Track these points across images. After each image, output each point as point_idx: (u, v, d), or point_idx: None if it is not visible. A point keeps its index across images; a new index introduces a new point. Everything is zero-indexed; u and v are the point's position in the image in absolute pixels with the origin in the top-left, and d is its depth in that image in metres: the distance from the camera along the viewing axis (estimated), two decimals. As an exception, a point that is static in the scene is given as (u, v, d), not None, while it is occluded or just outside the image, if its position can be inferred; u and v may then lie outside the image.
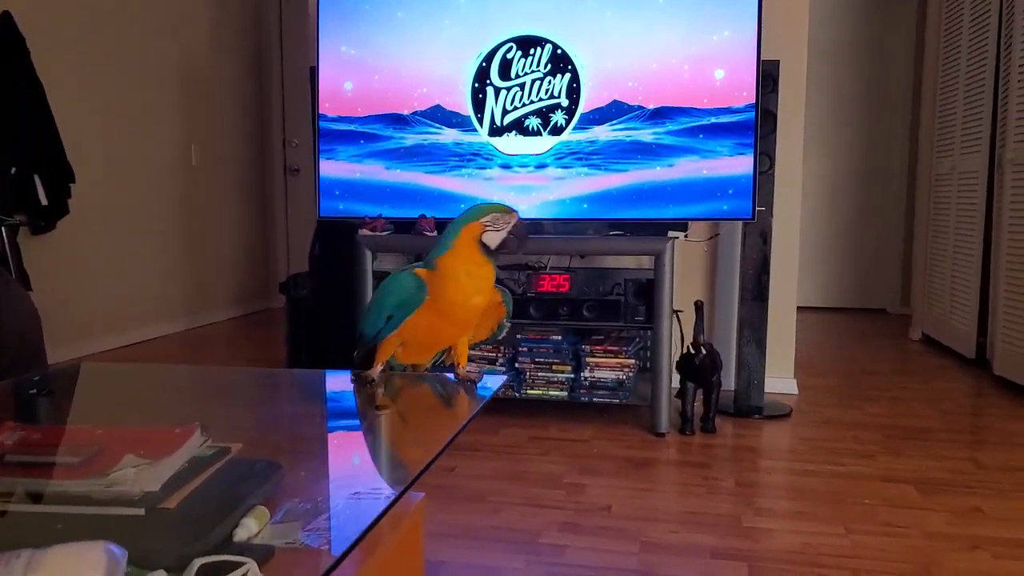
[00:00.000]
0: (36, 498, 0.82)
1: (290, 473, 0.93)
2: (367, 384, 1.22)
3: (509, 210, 1.22)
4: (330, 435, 1.15)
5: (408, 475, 0.84)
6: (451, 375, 1.28)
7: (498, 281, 2.92)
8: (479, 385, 1.23)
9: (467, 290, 1.20)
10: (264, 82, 5.19)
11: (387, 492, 0.79)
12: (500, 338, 1.36)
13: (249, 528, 0.72)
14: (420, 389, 1.34)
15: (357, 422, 1.18)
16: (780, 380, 2.97)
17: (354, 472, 0.94)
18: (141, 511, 0.77)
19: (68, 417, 1.24)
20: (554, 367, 2.59)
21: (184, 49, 4.38)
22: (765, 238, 2.67)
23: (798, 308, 3.06)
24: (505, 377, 2.44)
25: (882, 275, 5.13)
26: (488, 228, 1.19)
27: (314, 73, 2.78)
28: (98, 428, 1.04)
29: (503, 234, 1.20)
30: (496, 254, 1.21)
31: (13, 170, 3.16)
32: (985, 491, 2.00)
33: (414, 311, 1.20)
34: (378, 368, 1.23)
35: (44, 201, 3.28)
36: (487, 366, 2.62)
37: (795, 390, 2.99)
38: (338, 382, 1.43)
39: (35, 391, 1.30)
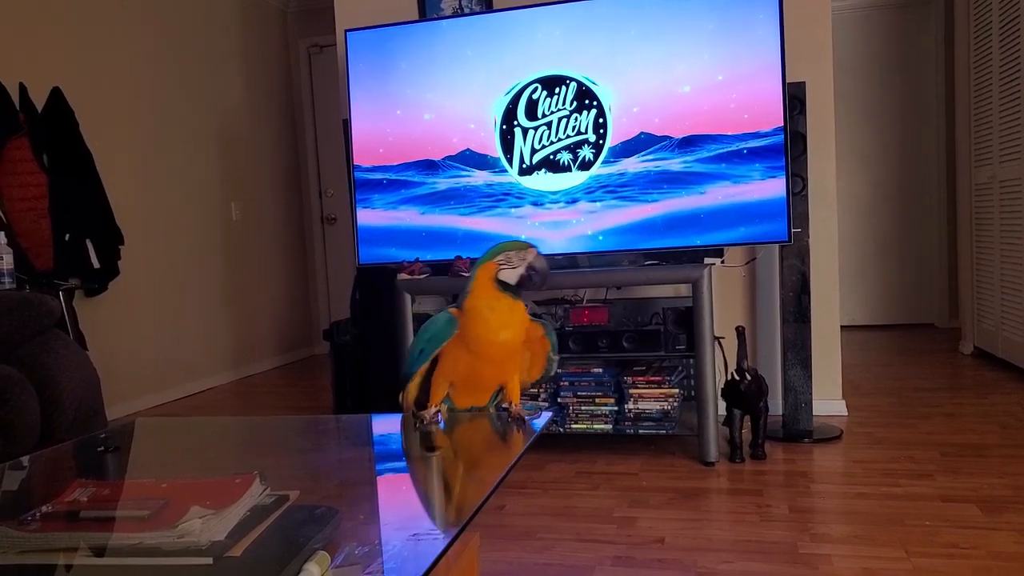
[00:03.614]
0: (112, 551, 0.86)
1: (347, 517, 0.96)
2: (421, 424, 1.25)
3: (525, 246, 1.25)
4: (384, 478, 1.17)
5: (463, 516, 0.86)
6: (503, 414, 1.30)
7: (536, 316, 2.93)
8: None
9: (492, 325, 1.23)
10: (298, 135, 5.36)
11: (444, 533, 0.81)
12: (553, 373, 1.38)
13: (311, 573, 0.75)
14: (469, 428, 1.36)
15: (409, 464, 1.21)
16: (828, 402, 2.92)
17: (410, 514, 0.97)
18: (209, 560, 0.80)
19: (132, 472, 1.29)
20: (597, 400, 2.59)
21: (220, 110, 4.56)
22: (803, 259, 2.66)
23: (842, 327, 3.01)
24: (550, 413, 2.44)
25: (928, 289, 5.02)
26: (502, 266, 1.23)
27: (346, 126, 2.87)
28: (163, 482, 1.08)
29: (520, 270, 1.23)
30: (518, 290, 1.24)
31: (67, 236, 3.31)
32: (1052, 507, 1.93)
33: (443, 343, 1.24)
34: (432, 410, 1.26)
35: (96, 264, 3.41)
36: (529, 402, 2.63)
37: (844, 411, 2.93)
38: (386, 425, 1.46)
39: (103, 449, 1.35)
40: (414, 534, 0.83)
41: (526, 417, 1.26)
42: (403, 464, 1.24)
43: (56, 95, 3.31)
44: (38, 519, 0.93)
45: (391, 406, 2.79)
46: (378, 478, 1.18)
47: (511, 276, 1.23)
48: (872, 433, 2.67)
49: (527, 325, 1.29)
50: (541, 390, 2.64)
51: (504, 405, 1.31)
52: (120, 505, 0.99)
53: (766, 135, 2.44)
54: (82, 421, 2.28)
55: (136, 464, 1.34)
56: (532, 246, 1.25)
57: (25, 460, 1.38)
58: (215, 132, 4.49)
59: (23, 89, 3.20)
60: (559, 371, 2.63)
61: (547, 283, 1.28)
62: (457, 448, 1.27)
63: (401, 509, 1.01)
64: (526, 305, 1.27)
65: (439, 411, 1.27)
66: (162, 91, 4.06)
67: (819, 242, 2.86)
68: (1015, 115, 3.36)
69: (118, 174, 3.66)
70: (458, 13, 3.16)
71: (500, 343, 1.24)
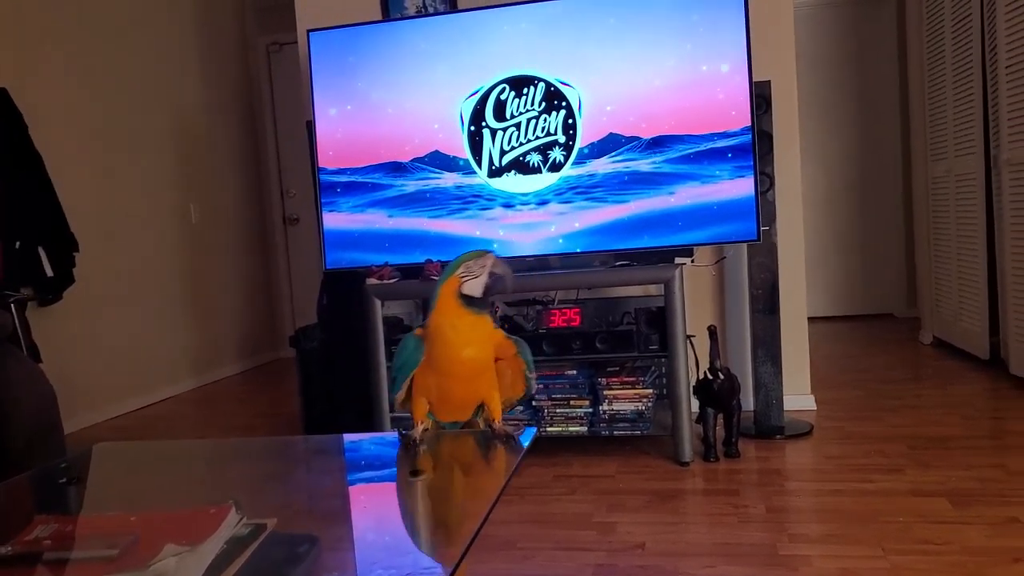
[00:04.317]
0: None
1: (329, 548, 0.92)
2: (412, 445, 1.22)
3: (483, 253, 1.22)
4: (366, 506, 1.13)
5: (456, 552, 0.83)
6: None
7: (508, 319, 2.85)
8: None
9: (455, 344, 1.20)
10: (258, 134, 5.24)
11: (438, 573, 0.78)
12: (533, 392, 1.36)
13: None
14: (456, 448, 1.32)
15: (392, 490, 1.17)
16: (798, 397, 2.95)
17: (397, 550, 0.93)
18: (186, 605, 0.76)
19: (98, 504, 1.22)
20: (572, 402, 2.58)
21: (177, 109, 4.42)
22: (771, 256, 2.68)
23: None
24: (534, 429, 2.42)
25: (887, 280, 5.13)
26: (464, 278, 1.19)
27: (311, 127, 2.80)
28: (132, 515, 1.03)
29: (483, 279, 1.20)
30: (486, 300, 1.21)
31: (18, 244, 3.17)
32: (1019, 499, 1.97)
33: (413, 370, 1.22)
34: (419, 428, 1.23)
35: (50, 272, 3.28)
36: (511, 410, 2.60)
37: (814, 406, 2.97)
38: (362, 447, 1.42)
39: (64, 480, 1.28)
40: (407, 574, 0.80)
41: (511, 433, 1.23)
42: (385, 491, 1.20)
43: (2, 96, 3.17)
44: (-2, 564, 0.87)
45: (360, 414, 2.73)
46: (361, 508, 1.14)
47: (475, 287, 1.20)
48: (841, 427, 2.71)
49: (496, 340, 1.25)
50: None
51: (488, 419, 1.28)
52: (86, 543, 0.94)
53: (734, 135, 2.44)
54: (38, 438, 2.18)
55: (101, 495, 1.28)
56: (489, 251, 1.22)
57: (-20, 491, 1.31)
58: (171, 131, 4.36)
59: (-34, 91, 3.06)
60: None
61: (514, 284, 1.24)
62: (443, 472, 1.24)
63: (387, 545, 0.97)
64: (493, 315, 1.25)
65: (426, 428, 1.24)
66: (115, 90, 3.92)
67: (786, 239, 2.88)
68: (969, 110, 3.43)
69: (70, 177, 3.52)
70: (422, 13, 3.11)
71: (465, 361, 1.21)
